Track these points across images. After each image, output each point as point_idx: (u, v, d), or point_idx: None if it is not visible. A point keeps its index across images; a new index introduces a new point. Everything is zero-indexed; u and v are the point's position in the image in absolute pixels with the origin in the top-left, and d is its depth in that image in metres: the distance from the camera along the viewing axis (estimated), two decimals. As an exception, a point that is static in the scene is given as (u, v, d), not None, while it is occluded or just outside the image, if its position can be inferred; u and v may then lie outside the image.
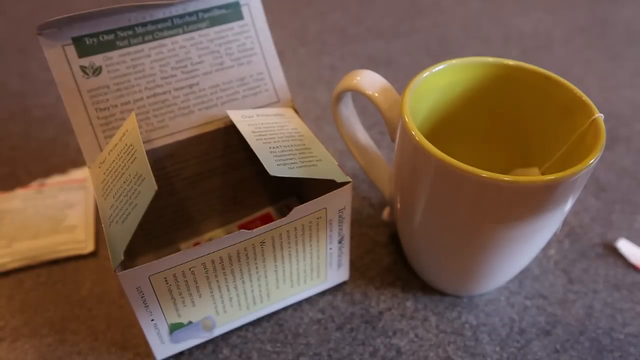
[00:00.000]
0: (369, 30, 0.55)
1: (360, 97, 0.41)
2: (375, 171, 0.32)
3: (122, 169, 0.23)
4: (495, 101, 0.29)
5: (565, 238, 0.34)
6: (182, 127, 0.28)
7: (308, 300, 0.30)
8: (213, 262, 0.24)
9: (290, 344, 0.28)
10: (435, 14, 0.58)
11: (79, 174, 0.38)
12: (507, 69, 0.28)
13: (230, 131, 0.29)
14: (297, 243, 0.26)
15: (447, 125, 0.30)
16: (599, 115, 0.24)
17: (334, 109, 0.31)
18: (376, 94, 0.27)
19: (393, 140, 0.28)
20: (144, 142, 0.27)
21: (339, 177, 0.25)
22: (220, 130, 0.29)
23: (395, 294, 0.31)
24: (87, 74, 0.26)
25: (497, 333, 0.29)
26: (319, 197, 0.25)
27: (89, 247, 0.33)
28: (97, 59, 0.26)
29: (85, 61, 0.26)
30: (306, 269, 0.28)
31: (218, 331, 0.28)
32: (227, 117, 0.28)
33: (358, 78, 0.28)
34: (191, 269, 0.24)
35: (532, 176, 0.22)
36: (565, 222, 0.34)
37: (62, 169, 0.38)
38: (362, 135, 0.32)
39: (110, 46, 0.26)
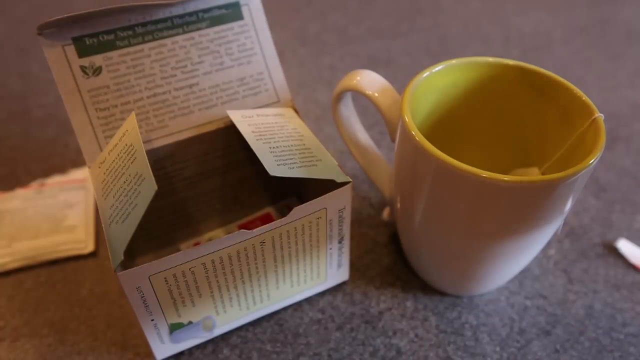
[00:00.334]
0: (369, 30, 0.55)
1: (360, 97, 0.41)
2: (375, 171, 0.32)
3: (122, 169, 0.23)
4: (495, 101, 0.29)
5: (565, 238, 0.34)
6: (182, 127, 0.28)
7: (308, 300, 0.30)
8: (213, 262, 0.24)
9: (290, 344, 0.28)
10: (435, 14, 0.58)
11: (79, 174, 0.38)
12: (507, 69, 0.28)
13: (230, 131, 0.29)
14: (297, 243, 0.26)
15: (447, 125, 0.30)
16: (599, 115, 0.24)
17: (334, 109, 0.31)
18: (376, 94, 0.27)
19: (393, 140, 0.28)
20: (144, 142, 0.27)
21: (339, 177, 0.25)
22: (220, 130, 0.29)
23: (395, 294, 0.31)
24: (87, 74, 0.26)
25: (497, 333, 0.29)
26: (319, 197, 0.25)
27: (89, 247, 0.33)
28: (97, 59, 0.26)
29: (85, 61, 0.26)
30: (306, 269, 0.28)
31: (218, 331, 0.28)
32: (227, 117, 0.28)
33: (358, 78, 0.28)
34: (191, 269, 0.24)
35: (532, 176, 0.22)
36: (565, 222, 0.34)
37: (62, 169, 0.38)
38: (362, 135, 0.32)
39: (110, 46, 0.26)
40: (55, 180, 0.37)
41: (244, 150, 0.30)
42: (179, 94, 0.28)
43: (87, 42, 0.26)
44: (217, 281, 0.25)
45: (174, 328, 0.26)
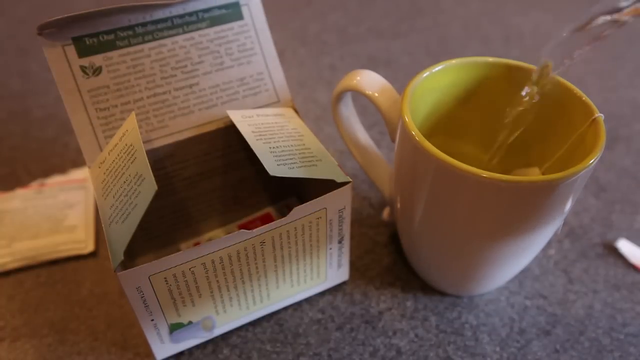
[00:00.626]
0: (369, 30, 0.55)
1: (360, 97, 0.41)
2: (375, 171, 0.32)
3: (122, 169, 0.23)
4: (495, 101, 0.29)
5: (565, 238, 0.34)
6: (182, 127, 0.28)
7: (308, 300, 0.30)
8: (213, 262, 0.24)
9: (290, 344, 0.28)
10: (435, 14, 0.58)
11: (79, 174, 0.38)
12: (507, 69, 0.28)
13: (230, 131, 0.29)
14: (297, 243, 0.26)
15: (447, 125, 0.30)
16: (599, 115, 0.24)
17: (334, 109, 0.31)
18: (376, 94, 0.27)
19: (393, 140, 0.28)
20: (144, 142, 0.27)
21: (339, 177, 0.25)
22: (220, 130, 0.29)
23: (395, 294, 0.31)
24: (87, 74, 0.26)
25: (497, 333, 0.29)
26: (319, 197, 0.25)
27: (89, 247, 0.33)
28: (97, 59, 0.26)
29: (85, 61, 0.26)
30: (306, 269, 0.28)
31: (218, 331, 0.28)
32: (227, 117, 0.28)
33: (358, 78, 0.28)
34: (191, 269, 0.24)
35: (532, 176, 0.22)
36: (565, 222, 0.34)
37: (62, 169, 0.38)
38: (362, 135, 0.32)
39: (110, 46, 0.26)
40: (55, 180, 0.37)
41: (244, 150, 0.30)
42: (179, 94, 0.28)
43: (87, 42, 0.26)
44: (217, 281, 0.25)
45: (174, 328, 0.26)
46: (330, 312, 0.30)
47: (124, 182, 0.23)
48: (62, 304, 0.30)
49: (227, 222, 0.34)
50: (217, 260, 0.24)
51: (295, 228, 0.25)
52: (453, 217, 0.25)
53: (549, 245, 0.33)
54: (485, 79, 0.29)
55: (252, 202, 0.34)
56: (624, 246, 0.32)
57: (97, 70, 0.26)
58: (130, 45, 0.27)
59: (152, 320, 0.25)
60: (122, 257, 0.21)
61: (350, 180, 0.25)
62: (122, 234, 0.22)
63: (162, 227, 0.31)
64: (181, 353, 0.28)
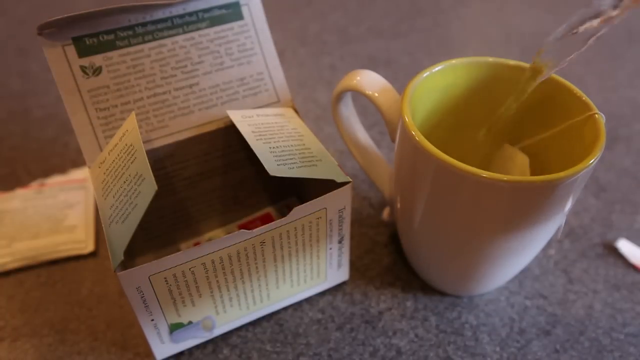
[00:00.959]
0: (369, 30, 0.55)
1: (360, 97, 0.41)
2: (375, 171, 0.32)
3: (122, 169, 0.23)
4: (495, 101, 0.29)
5: (565, 238, 0.34)
6: (182, 127, 0.28)
7: (308, 300, 0.30)
8: (213, 262, 0.24)
9: (290, 344, 0.28)
10: (435, 14, 0.58)
11: (79, 174, 0.38)
12: (507, 69, 0.28)
13: (230, 131, 0.29)
14: (297, 243, 0.26)
15: (447, 126, 0.30)
16: (599, 115, 0.24)
17: (334, 109, 0.31)
18: (376, 94, 0.27)
19: (393, 140, 0.28)
20: (144, 142, 0.27)
21: (339, 177, 0.25)
22: (220, 130, 0.29)
23: (395, 294, 0.31)
24: (87, 74, 0.26)
25: (497, 333, 0.29)
26: (319, 197, 0.25)
27: (89, 247, 0.33)
28: (97, 59, 0.26)
29: (85, 61, 0.26)
30: (306, 268, 0.28)
31: (218, 331, 0.28)
32: (227, 117, 0.28)
33: (358, 78, 0.28)
34: (191, 269, 0.24)
35: (532, 176, 0.22)
36: (565, 222, 0.34)
37: (62, 169, 0.38)
38: (362, 135, 0.32)
39: (110, 46, 0.26)
40: (55, 180, 0.37)
41: (244, 150, 0.30)
42: (179, 94, 0.28)
43: (87, 42, 0.26)
44: (217, 281, 0.25)
45: (174, 328, 0.26)
46: (330, 312, 0.30)
47: (124, 182, 0.23)
48: (62, 304, 0.30)
49: (227, 222, 0.34)
50: (217, 260, 0.24)
51: (295, 228, 0.25)
52: (453, 217, 0.25)
53: (549, 245, 0.33)
54: (485, 79, 0.29)
55: (252, 202, 0.34)
56: (624, 246, 0.32)
57: (97, 70, 0.26)
58: (130, 45, 0.27)
59: (152, 320, 0.25)
60: (122, 257, 0.21)
61: (350, 180, 0.25)
62: (122, 234, 0.22)
63: (162, 227, 0.31)
64: (181, 353, 0.28)
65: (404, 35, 0.54)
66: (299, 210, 0.24)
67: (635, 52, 0.52)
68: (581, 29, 0.22)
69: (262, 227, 0.24)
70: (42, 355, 0.28)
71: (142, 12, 0.26)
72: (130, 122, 0.25)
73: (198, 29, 0.28)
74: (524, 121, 0.29)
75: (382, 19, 0.57)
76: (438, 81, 0.28)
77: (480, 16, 0.58)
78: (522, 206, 0.23)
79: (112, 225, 0.22)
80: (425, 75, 0.27)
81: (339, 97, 0.29)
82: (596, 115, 0.24)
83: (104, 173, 0.25)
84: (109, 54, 0.26)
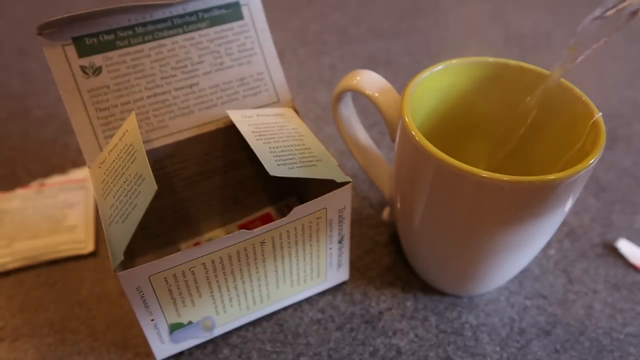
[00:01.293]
0: (369, 30, 0.55)
1: (360, 97, 0.41)
2: (375, 171, 0.32)
3: (122, 169, 0.23)
4: (495, 101, 0.29)
5: (565, 238, 0.34)
6: (182, 127, 0.28)
7: (308, 300, 0.30)
8: (213, 262, 0.24)
9: (290, 344, 0.28)
10: (435, 14, 0.58)
11: (79, 174, 0.38)
12: (507, 69, 0.28)
13: (230, 131, 0.29)
14: (297, 243, 0.26)
15: (447, 126, 0.30)
16: (599, 115, 0.24)
17: (334, 109, 0.31)
18: (376, 94, 0.27)
19: (393, 140, 0.28)
20: (144, 142, 0.27)
21: (339, 177, 0.25)
22: (220, 130, 0.29)
23: (395, 294, 0.31)
24: (87, 74, 0.26)
25: (497, 333, 0.29)
26: (319, 197, 0.25)
27: (89, 247, 0.33)
28: (97, 59, 0.26)
29: (85, 61, 0.26)
30: (306, 268, 0.28)
31: (218, 331, 0.28)
32: (227, 117, 0.28)
33: (358, 78, 0.28)
34: (191, 269, 0.24)
35: (532, 176, 0.22)
36: (565, 222, 0.34)
37: (62, 169, 0.38)
38: (362, 135, 0.32)
39: (110, 46, 0.26)
40: (55, 180, 0.37)
41: (244, 150, 0.30)
42: (179, 94, 0.28)
43: (87, 42, 0.26)
44: (217, 281, 0.25)
45: (174, 328, 0.26)
46: (330, 312, 0.30)
47: (124, 182, 0.23)
48: (62, 304, 0.30)
49: (227, 222, 0.34)
50: (217, 260, 0.24)
51: (295, 228, 0.25)
52: (453, 217, 0.25)
53: (549, 245, 0.33)
54: (485, 79, 0.29)
55: (252, 202, 0.34)
56: (624, 246, 0.32)
57: (97, 70, 0.26)
58: (130, 45, 0.27)
59: (152, 320, 0.25)
60: (122, 257, 0.21)
61: (350, 180, 0.25)
62: (122, 234, 0.22)
63: (162, 227, 0.31)
64: (181, 353, 0.28)
65: (404, 35, 0.54)
66: (299, 210, 0.24)
67: (635, 52, 0.52)
68: (618, 7, 0.22)
69: (262, 227, 0.24)
70: (42, 355, 0.28)
71: (142, 12, 0.26)
72: (130, 122, 0.25)
73: (198, 29, 0.28)
74: (524, 121, 0.29)
75: (382, 19, 0.57)
76: (438, 81, 0.28)
77: (480, 16, 0.58)
78: (522, 206, 0.23)
79: (112, 225, 0.22)
80: (425, 75, 0.27)
81: (339, 97, 0.29)
82: (597, 117, 0.24)
83: (104, 173, 0.25)
84: (109, 54, 0.26)
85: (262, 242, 0.25)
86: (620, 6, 0.22)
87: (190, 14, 0.28)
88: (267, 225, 0.24)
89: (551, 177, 0.21)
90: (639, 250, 0.32)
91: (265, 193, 0.34)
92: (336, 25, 0.56)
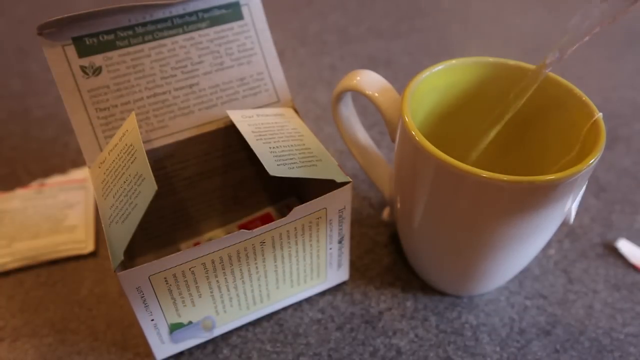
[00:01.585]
0: (369, 30, 0.55)
1: (360, 97, 0.41)
2: (375, 171, 0.32)
3: (122, 169, 0.23)
4: (495, 101, 0.29)
5: (565, 238, 0.34)
6: (182, 127, 0.28)
7: (308, 300, 0.30)
8: (213, 262, 0.24)
9: (290, 344, 0.28)
10: (435, 14, 0.58)
11: (79, 174, 0.38)
12: (507, 69, 0.28)
13: (230, 131, 0.29)
14: (297, 243, 0.26)
15: (447, 125, 0.30)
16: (599, 116, 0.24)
17: (334, 109, 0.31)
18: (376, 94, 0.27)
19: (393, 140, 0.28)
20: (144, 142, 0.27)
21: (339, 177, 0.25)
22: (220, 130, 0.29)
23: (395, 294, 0.31)
24: (87, 74, 0.26)
25: (497, 333, 0.29)
26: (319, 197, 0.25)
27: (89, 247, 0.33)
28: (97, 59, 0.26)
29: (85, 61, 0.26)
30: (306, 269, 0.28)
31: (218, 331, 0.28)
32: (227, 117, 0.28)
33: (358, 78, 0.28)
34: (191, 269, 0.24)
35: (532, 176, 0.22)
36: (565, 222, 0.34)
37: (62, 169, 0.38)
38: (362, 135, 0.32)
39: (110, 46, 0.26)
40: (55, 180, 0.37)
41: (244, 150, 0.30)
42: (179, 94, 0.28)
43: (87, 42, 0.26)
44: (217, 281, 0.25)
45: (174, 328, 0.26)
46: (330, 312, 0.30)
47: (124, 182, 0.23)
48: (62, 304, 0.30)
49: (227, 222, 0.34)
50: (217, 260, 0.24)
51: (295, 228, 0.25)
52: (453, 217, 0.25)
53: (549, 245, 0.33)
54: (485, 79, 0.29)
55: (252, 202, 0.34)
56: (624, 246, 0.32)
57: (97, 70, 0.26)
58: (130, 45, 0.27)
59: (152, 320, 0.25)
60: (122, 257, 0.21)
61: (350, 180, 0.25)
62: (122, 234, 0.22)
63: (162, 227, 0.31)
64: (181, 353, 0.28)
65: (404, 35, 0.54)
66: (299, 210, 0.24)
67: (635, 52, 0.52)
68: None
69: (262, 227, 0.24)
70: (42, 355, 0.28)
71: (142, 12, 0.26)
72: (130, 122, 0.25)
73: (198, 29, 0.28)
74: (524, 121, 0.29)
75: (382, 19, 0.57)
76: (438, 81, 0.28)
77: (480, 16, 0.58)
78: (522, 206, 0.23)
79: (112, 225, 0.22)
80: (425, 75, 0.27)
81: (339, 97, 0.29)
82: (597, 117, 0.24)
83: (104, 173, 0.25)
84: (109, 54, 0.26)
85: (262, 242, 0.25)
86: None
87: (190, 14, 0.28)
88: (267, 225, 0.24)
89: (551, 177, 0.21)
90: (639, 250, 0.32)
91: (265, 193, 0.34)
92: (336, 25, 0.56)
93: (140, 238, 0.31)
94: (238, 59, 0.29)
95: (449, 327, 0.29)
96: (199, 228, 0.33)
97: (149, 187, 0.21)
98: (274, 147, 0.25)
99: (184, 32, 0.28)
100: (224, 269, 0.25)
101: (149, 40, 0.27)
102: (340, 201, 0.26)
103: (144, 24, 0.27)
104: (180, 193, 0.30)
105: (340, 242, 0.28)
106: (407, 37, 0.54)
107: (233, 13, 0.28)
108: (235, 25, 0.29)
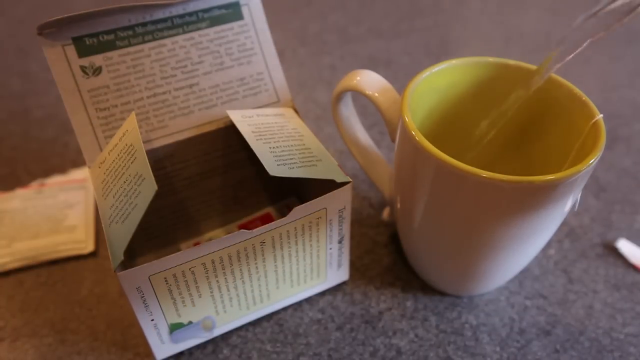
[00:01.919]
0: (369, 30, 0.55)
1: (360, 97, 0.41)
2: (375, 171, 0.32)
3: (122, 169, 0.23)
4: (495, 101, 0.29)
5: (565, 238, 0.34)
6: (182, 127, 0.28)
7: (308, 300, 0.30)
8: (213, 262, 0.24)
9: (290, 344, 0.28)
10: (435, 14, 0.58)
11: (79, 174, 0.38)
12: (507, 69, 0.28)
13: (230, 131, 0.29)
14: (297, 243, 0.26)
15: (447, 125, 0.30)
16: (599, 117, 0.24)
17: (334, 109, 0.31)
18: (376, 94, 0.27)
19: (393, 140, 0.28)
20: (144, 142, 0.27)
21: (339, 177, 0.25)
22: (220, 130, 0.29)
23: (395, 294, 0.31)
24: (87, 74, 0.26)
25: (497, 333, 0.29)
26: (319, 197, 0.25)
27: (89, 247, 0.33)
28: (97, 59, 0.26)
29: (85, 61, 0.26)
30: (306, 269, 0.28)
31: (218, 331, 0.28)
32: (227, 117, 0.28)
33: (358, 78, 0.28)
34: (191, 269, 0.24)
35: (532, 176, 0.22)
36: (565, 222, 0.34)
37: (62, 169, 0.38)
38: (362, 135, 0.32)
39: (110, 46, 0.26)
40: (55, 180, 0.37)
41: (244, 150, 0.30)
42: (179, 94, 0.28)
43: (87, 42, 0.26)
44: (217, 281, 0.25)
45: (174, 328, 0.26)
46: (330, 312, 0.30)
47: (124, 182, 0.23)
48: (62, 304, 0.30)
49: (227, 222, 0.34)
50: (217, 260, 0.24)
51: (295, 228, 0.25)
52: (453, 217, 0.25)
53: (549, 245, 0.33)
54: (485, 79, 0.29)
55: (252, 202, 0.34)
56: (624, 246, 0.32)
57: (97, 70, 0.26)
58: (130, 45, 0.27)
59: (152, 320, 0.25)
60: (122, 257, 0.21)
61: (350, 180, 0.25)
62: (122, 234, 0.22)
63: (162, 227, 0.31)
64: (181, 353, 0.28)
65: (404, 35, 0.54)
66: (299, 210, 0.24)
67: (635, 52, 0.52)
68: (612, 7, 0.22)
69: (262, 227, 0.24)
70: (42, 355, 0.28)
71: (142, 12, 0.26)
72: (130, 122, 0.25)
73: (198, 29, 0.28)
74: (524, 121, 0.29)
75: (382, 19, 0.57)
76: (438, 81, 0.28)
77: (480, 16, 0.58)
78: (522, 206, 0.23)
79: (112, 225, 0.22)
80: (425, 75, 0.27)
81: (339, 97, 0.29)
82: (597, 119, 0.24)
83: (104, 173, 0.25)
84: (109, 54, 0.26)
85: (262, 242, 0.25)
86: (614, 5, 0.22)
87: (190, 14, 0.28)
88: (267, 225, 0.24)
89: (551, 177, 0.21)
90: (639, 250, 0.32)
91: (265, 193, 0.34)
92: (336, 25, 0.56)
93: (140, 238, 0.31)
94: (238, 59, 0.29)
95: (449, 327, 0.29)
96: (199, 228, 0.33)
97: (149, 187, 0.21)
98: (274, 147, 0.25)
99: (184, 32, 0.28)
100: (224, 269, 0.25)
101: (149, 40, 0.27)
102: (340, 201, 0.26)
103: (144, 24, 0.27)
104: (180, 193, 0.30)
105: (340, 242, 0.28)
106: (407, 37, 0.54)
107: (233, 13, 0.28)
108: (235, 25, 0.29)
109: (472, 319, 0.29)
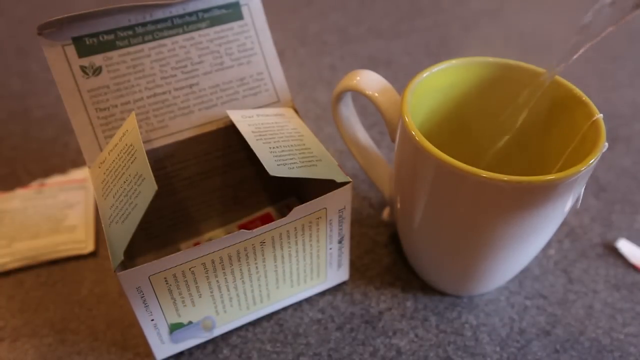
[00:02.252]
0: (369, 30, 0.55)
1: (360, 97, 0.41)
2: (375, 171, 0.32)
3: (122, 169, 0.23)
4: (495, 101, 0.29)
5: (565, 238, 0.34)
6: (182, 127, 0.28)
7: (308, 300, 0.30)
8: (213, 262, 0.24)
9: (290, 344, 0.28)
10: (435, 14, 0.58)
11: (79, 174, 0.38)
12: (507, 69, 0.28)
13: (230, 131, 0.29)
14: (297, 243, 0.26)
15: (447, 126, 0.30)
16: (599, 116, 0.24)
17: (334, 109, 0.31)
18: (376, 94, 0.27)
19: (393, 140, 0.28)
20: (144, 142, 0.27)
21: (339, 177, 0.25)
22: (220, 130, 0.29)
23: (395, 294, 0.31)
24: (87, 74, 0.26)
25: (497, 333, 0.29)
26: (319, 197, 0.25)
27: (89, 247, 0.33)
28: (97, 59, 0.26)
29: (85, 61, 0.26)
30: (306, 268, 0.28)
31: (218, 331, 0.28)
32: (227, 117, 0.28)
33: (358, 78, 0.28)
34: (191, 269, 0.24)
35: (532, 176, 0.22)
36: (565, 222, 0.34)
37: (62, 169, 0.38)
38: (362, 135, 0.32)
39: (110, 46, 0.26)
40: (55, 180, 0.37)
41: (244, 150, 0.30)
42: (179, 94, 0.28)
43: (87, 42, 0.26)
44: (217, 281, 0.25)
45: (174, 328, 0.26)
46: (330, 312, 0.30)
47: (124, 182, 0.23)
48: (62, 304, 0.30)
49: (227, 222, 0.34)
50: (217, 260, 0.24)
51: (295, 228, 0.25)
52: (453, 217, 0.25)
53: (549, 245, 0.33)
54: (485, 79, 0.29)
55: (252, 202, 0.34)
56: (624, 246, 0.32)
57: (97, 70, 0.26)
58: (130, 45, 0.27)
59: (152, 320, 0.25)
60: (122, 257, 0.21)
61: (350, 180, 0.25)
62: (122, 234, 0.22)
63: (162, 227, 0.31)
64: (181, 353, 0.28)
65: (404, 35, 0.54)
66: (299, 210, 0.24)
67: (635, 52, 0.52)
68: (598, 15, 0.22)
69: (262, 227, 0.24)
70: (42, 355, 0.28)
71: (142, 12, 0.26)
72: (130, 122, 0.25)
73: (198, 29, 0.28)
74: (524, 121, 0.29)
75: (382, 19, 0.57)
76: (438, 81, 0.28)
77: (480, 16, 0.58)
78: (522, 206, 0.23)
79: (112, 225, 0.22)
80: (425, 75, 0.27)
81: (339, 97, 0.29)
82: (597, 117, 0.24)
83: (104, 173, 0.25)
84: (109, 54, 0.26)
85: (262, 242, 0.25)
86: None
87: (190, 14, 0.28)
88: (267, 225, 0.24)
89: (551, 177, 0.21)
90: (639, 250, 0.32)
91: (265, 193, 0.34)
92: (336, 25, 0.56)
93: (140, 238, 0.31)
94: (238, 59, 0.29)
95: (449, 327, 0.29)
96: (199, 228, 0.33)
97: (149, 187, 0.21)
98: (274, 147, 0.25)
99: (184, 32, 0.28)
100: (224, 269, 0.25)
101: (149, 40, 0.27)
102: (340, 201, 0.26)
103: (144, 24, 0.27)
104: (180, 193, 0.30)
105: (340, 242, 0.28)
106: (407, 37, 0.54)
107: (233, 13, 0.28)
108: (235, 25, 0.29)
109: (472, 319, 0.29)
